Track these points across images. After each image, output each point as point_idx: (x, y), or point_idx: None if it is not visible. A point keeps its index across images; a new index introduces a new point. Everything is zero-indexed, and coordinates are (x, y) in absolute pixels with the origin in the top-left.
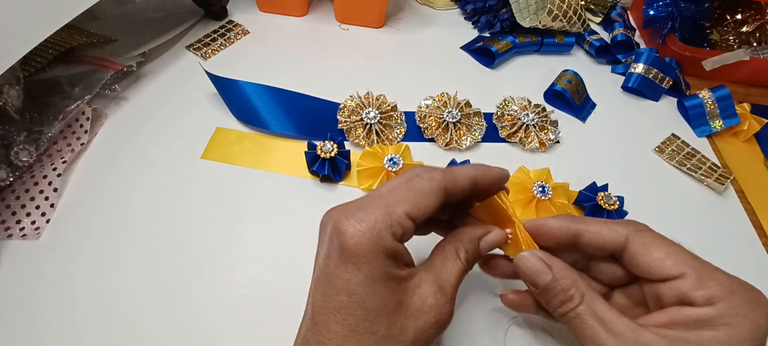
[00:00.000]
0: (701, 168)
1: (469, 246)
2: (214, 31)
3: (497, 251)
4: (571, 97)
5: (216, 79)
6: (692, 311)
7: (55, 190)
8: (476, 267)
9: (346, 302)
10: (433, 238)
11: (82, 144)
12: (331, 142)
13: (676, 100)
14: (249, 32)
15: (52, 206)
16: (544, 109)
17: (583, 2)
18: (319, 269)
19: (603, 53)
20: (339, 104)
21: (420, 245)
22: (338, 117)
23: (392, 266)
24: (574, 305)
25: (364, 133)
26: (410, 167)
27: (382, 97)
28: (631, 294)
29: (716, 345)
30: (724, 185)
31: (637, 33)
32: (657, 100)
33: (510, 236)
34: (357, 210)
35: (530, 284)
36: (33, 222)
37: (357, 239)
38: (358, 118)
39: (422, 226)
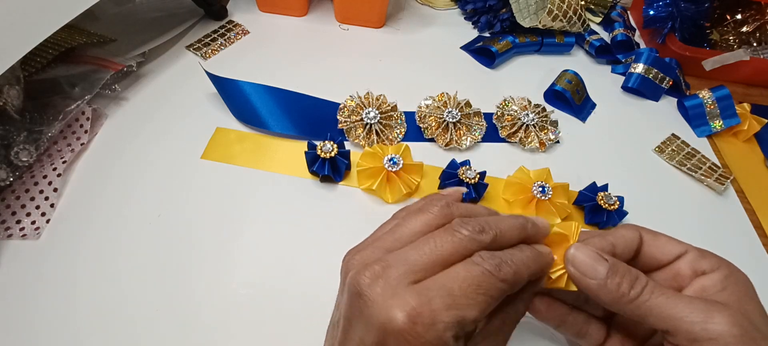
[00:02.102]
0: (701, 168)
1: (529, 300)
2: (214, 31)
3: None
4: (571, 97)
5: (216, 79)
6: (708, 279)
7: (55, 190)
8: None
9: None
10: None
11: (82, 144)
12: (331, 142)
13: (676, 100)
14: (249, 32)
15: (52, 206)
16: (544, 109)
17: (583, 2)
18: (348, 340)
19: (603, 53)
20: (339, 104)
21: None
22: (338, 117)
23: None
24: (644, 281)
25: (364, 133)
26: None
27: (382, 97)
28: None
29: (734, 297)
30: (724, 185)
31: (637, 33)
32: (657, 100)
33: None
34: (418, 302)
35: (589, 277)
36: (33, 222)
37: None
38: (358, 118)
39: None
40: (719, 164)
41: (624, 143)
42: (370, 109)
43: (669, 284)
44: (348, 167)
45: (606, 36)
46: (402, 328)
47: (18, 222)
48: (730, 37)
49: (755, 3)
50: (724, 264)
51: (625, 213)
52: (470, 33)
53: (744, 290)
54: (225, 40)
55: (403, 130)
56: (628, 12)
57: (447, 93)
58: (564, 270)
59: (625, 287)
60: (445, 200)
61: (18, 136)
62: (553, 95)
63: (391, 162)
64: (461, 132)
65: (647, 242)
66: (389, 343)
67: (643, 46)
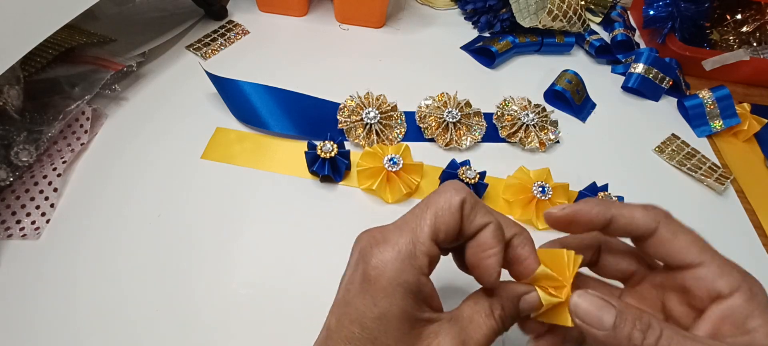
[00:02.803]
0: (701, 168)
1: (507, 304)
2: (214, 31)
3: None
4: (571, 97)
5: (216, 79)
6: (725, 305)
7: (55, 190)
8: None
9: (357, 334)
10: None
11: (82, 144)
12: (331, 142)
13: (676, 100)
14: (249, 32)
15: (52, 206)
16: (544, 109)
17: (583, 2)
18: (340, 292)
19: (603, 53)
20: (339, 104)
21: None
22: (338, 117)
23: (412, 305)
24: (658, 330)
25: (364, 133)
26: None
27: (382, 97)
28: (644, 296)
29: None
30: (724, 185)
31: (637, 33)
32: (657, 100)
33: (552, 294)
34: (386, 236)
35: (595, 328)
36: (33, 222)
37: (379, 269)
38: (358, 118)
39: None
40: (719, 164)
41: (624, 143)
42: (370, 109)
43: (678, 299)
44: (348, 167)
45: (606, 36)
46: (366, 249)
47: (18, 222)
48: (730, 37)
49: (755, 3)
50: (745, 284)
51: None
52: (470, 33)
53: None
54: (225, 40)
55: (403, 130)
56: (628, 12)
57: (447, 93)
58: (564, 300)
59: (638, 337)
60: None
61: (18, 136)
62: (553, 95)
63: (391, 162)
64: (461, 132)
65: (663, 238)
66: (359, 266)
67: (643, 46)
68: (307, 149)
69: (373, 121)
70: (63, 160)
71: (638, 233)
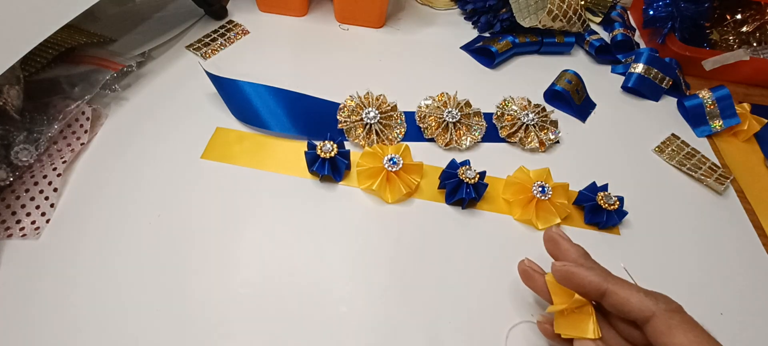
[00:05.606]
0: (701, 168)
1: None
2: (214, 31)
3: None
4: (571, 98)
5: (216, 79)
6: None
7: (55, 190)
8: (489, 270)
9: None
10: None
11: (82, 144)
12: (331, 143)
13: (676, 100)
14: (249, 32)
15: (52, 206)
16: (544, 109)
17: (583, 2)
18: None
19: (603, 53)
20: (339, 104)
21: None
22: (338, 117)
23: None
24: None
25: (364, 133)
26: None
27: (382, 97)
28: None
29: None
30: (724, 184)
31: (637, 33)
32: (657, 100)
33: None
34: None
35: None
36: (33, 222)
37: None
38: (358, 118)
39: None
40: (719, 164)
41: (624, 143)
42: (370, 109)
43: None
44: (348, 167)
45: (606, 36)
46: None
47: (18, 222)
48: (730, 37)
49: (755, 3)
50: None
51: (625, 213)
52: (470, 33)
53: None
54: (225, 40)
55: (403, 130)
56: (628, 12)
57: (447, 93)
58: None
59: None
60: None
61: (18, 136)
62: (553, 95)
63: (391, 162)
64: (461, 132)
65: (657, 330)
66: None
67: (643, 46)
68: (307, 149)
69: (373, 121)
70: (63, 160)
71: (632, 316)
